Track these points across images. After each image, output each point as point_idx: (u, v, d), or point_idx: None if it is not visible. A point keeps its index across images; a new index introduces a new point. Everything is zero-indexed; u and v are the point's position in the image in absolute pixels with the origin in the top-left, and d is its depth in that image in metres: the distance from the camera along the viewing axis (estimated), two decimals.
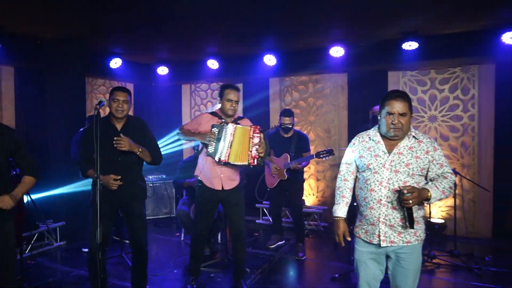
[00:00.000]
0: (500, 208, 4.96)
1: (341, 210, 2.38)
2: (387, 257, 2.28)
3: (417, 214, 2.18)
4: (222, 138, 3.12)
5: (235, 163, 3.16)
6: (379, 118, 2.26)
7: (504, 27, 4.34)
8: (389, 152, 2.20)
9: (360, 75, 5.63)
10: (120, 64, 5.83)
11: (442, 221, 5.09)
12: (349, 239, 2.38)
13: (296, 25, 4.57)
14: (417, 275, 2.23)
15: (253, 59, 5.83)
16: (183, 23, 4.40)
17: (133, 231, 3.08)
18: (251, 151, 3.13)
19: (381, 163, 2.20)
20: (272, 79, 6.26)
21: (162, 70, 6.48)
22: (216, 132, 3.13)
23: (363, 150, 2.30)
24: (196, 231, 3.42)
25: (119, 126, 2.99)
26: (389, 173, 2.17)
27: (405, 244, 2.17)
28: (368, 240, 2.26)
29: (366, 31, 4.85)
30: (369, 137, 2.31)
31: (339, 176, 2.44)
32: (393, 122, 2.14)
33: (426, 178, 2.21)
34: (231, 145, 3.11)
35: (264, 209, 5.91)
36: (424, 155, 2.17)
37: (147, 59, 6.39)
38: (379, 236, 2.19)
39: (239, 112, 6.34)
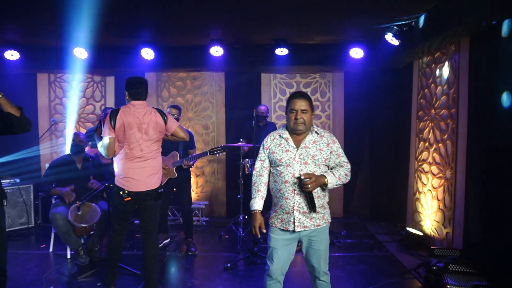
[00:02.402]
0: (348, 192, 6.07)
1: (257, 204, 2.56)
2: (300, 242, 2.56)
3: (324, 200, 2.54)
4: None
5: None
6: (285, 115, 2.58)
7: (352, 43, 5.31)
8: (297, 147, 2.51)
9: (237, 75, 5.98)
10: None
11: None
12: (264, 231, 2.56)
13: (174, 20, 4.54)
14: (327, 253, 2.59)
15: (129, 52, 5.51)
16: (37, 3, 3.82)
17: None
18: None
19: (291, 157, 2.48)
20: (148, 74, 6.03)
21: (12, 55, 5.45)
22: None
23: (275, 147, 2.55)
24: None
25: None
26: (300, 165, 2.46)
27: (316, 228, 2.49)
28: (284, 228, 2.50)
29: (242, 35, 5.20)
30: (279, 135, 2.58)
31: (254, 172, 2.62)
32: (296, 118, 2.46)
33: (327, 167, 2.57)
34: None
35: None
36: (325, 147, 2.53)
37: None
38: (293, 222, 2.46)
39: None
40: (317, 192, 2.46)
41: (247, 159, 4.81)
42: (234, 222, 5.08)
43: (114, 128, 3.04)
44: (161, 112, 3.23)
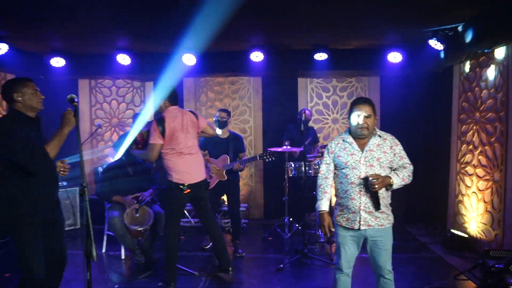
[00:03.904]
0: None
1: (324, 204, 2.72)
2: (365, 240, 2.68)
3: (387, 201, 2.65)
4: None
5: None
6: (348, 120, 2.70)
7: (390, 47, 5.38)
8: (362, 150, 2.62)
9: (274, 80, 6.09)
10: (5, 50, 4.82)
11: None
12: (333, 229, 2.70)
13: (216, 27, 4.64)
14: (391, 252, 2.69)
15: (170, 58, 5.60)
16: (85, 12, 3.94)
17: (58, 247, 2.70)
18: None
19: (357, 160, 2.60)
20: (187, 79, 6.17)
21: (57, 62, 5.60)
22: None
23: (340, 151, 2.68)
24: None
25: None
26: (365, 168, 2.58)
27: (380, 227, 2.60)
28: (349, 227, 2.63)
29: (282, 40, 5.30)
30: (343, 140, 2.70)
31: (319, 175, 2.77)
32: (360, 123, 2.57)
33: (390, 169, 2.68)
34: None
35: (185, 211, 5.77)
36: (389, 150, 2.65)
37: (38, 47, 5.44)
38: (359, 221, 2.58)
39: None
40: (382, 193, 2.58)
41: (291, 162, 4.90)
42: (279, 224, 5.16)
43: (163, 134, 3.34)
44: (192, 112, 3.63)
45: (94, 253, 2.05)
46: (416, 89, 5.79)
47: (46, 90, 6.10)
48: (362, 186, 2.55)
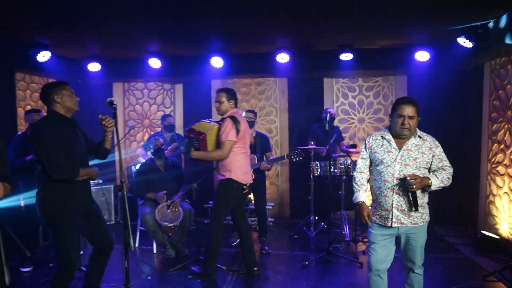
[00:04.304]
0: None
1: (362, 196, 2.72)
2: (398, 237, 2.70)
3: (423, 200, 2.65)
4: None
5: None
6: (390, 119, 2.71)
7: (417, 46, 5.33)
8: (399, 149, 2.63)
9: (299, 80, 6.17)
10: (48, 57, 5.18)
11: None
12: (373, 218, 2.71)
13: (244, 30, 4.77)
14: (423, 249, 2.71)
15: (198, 60, 5.83)
16: (119, 20, 4.17)
17: (99, 233, 2.92)
18: None
19: (393, 158, 2.62)
20: (215, 81, 6.35)
21: (94, 67, 5.94)
22: None
23: (377, 147, 2.70)
24: None
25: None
26: (400, 166, 2.59)
27: (413, 226, 2.62)
28: (383, 224, 2.66)
29: (308, 41, 5.37)
30: (381, 136, 2.72)
31: (356, 169, 2.80)
32: (403, 123, 2.57)
33: (429, 171, 2.66)
34: None
35: None
36: (428, 151, 2.62)
37: (76, 54, 5.79)
38: (391, 219, 2.60)
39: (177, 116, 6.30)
40: (416, 192, 2.56)
41: (316, 162, 4.96)
42: (305, 222, 5.24)
43: (238, 133, 3.50)
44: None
45: (132, 243, 2.22)
46: (445, 88, 5.68)
47: (84, 93, 6.49)
48: (395, 184, 2.57)
